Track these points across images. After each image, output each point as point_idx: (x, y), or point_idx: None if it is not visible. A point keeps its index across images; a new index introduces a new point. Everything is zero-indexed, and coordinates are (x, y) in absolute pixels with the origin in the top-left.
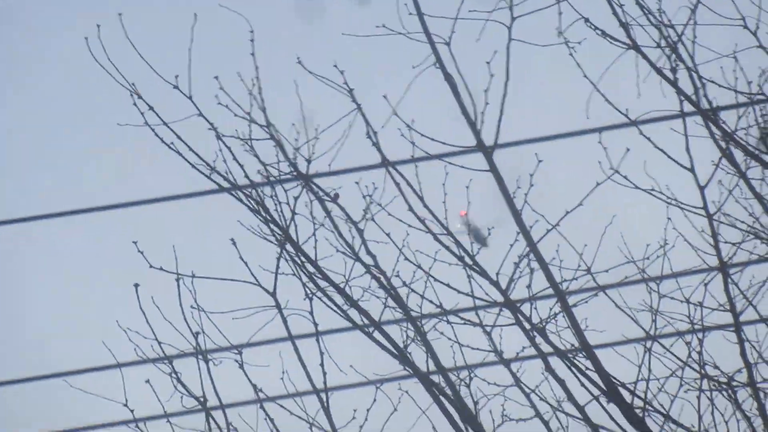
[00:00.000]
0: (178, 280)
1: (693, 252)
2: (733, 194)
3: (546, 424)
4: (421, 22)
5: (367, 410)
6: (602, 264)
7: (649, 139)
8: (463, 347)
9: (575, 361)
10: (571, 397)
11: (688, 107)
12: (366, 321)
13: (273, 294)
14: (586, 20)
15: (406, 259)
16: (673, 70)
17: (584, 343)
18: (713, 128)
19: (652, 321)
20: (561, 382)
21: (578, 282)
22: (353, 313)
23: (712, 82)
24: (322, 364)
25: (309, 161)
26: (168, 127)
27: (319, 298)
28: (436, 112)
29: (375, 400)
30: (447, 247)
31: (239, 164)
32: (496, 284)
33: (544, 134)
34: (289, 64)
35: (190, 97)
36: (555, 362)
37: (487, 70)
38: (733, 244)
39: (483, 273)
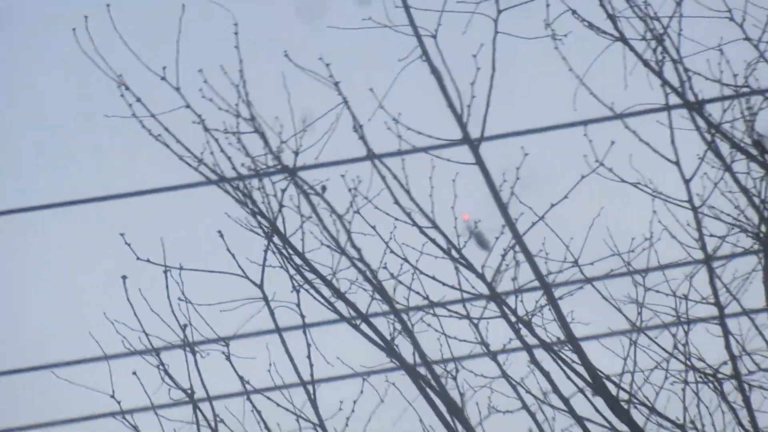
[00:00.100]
0: (165, 272)
1: (679, 245)
2: (719, 187)
3: (532, 416)
4: (408, 15)
5: (354, 402)
6: (588, 257)
7: (634, 132)
8: (450, 339)
9: (561, 354)
10: (556, 390)
11: (673, 100)
12: (353, 313)
13: (260, 286)
14: (574, 12)
15: (392, 252)
16: (659, 63)
17: (570, 335)
18: (699, 121)
19: (638, 313)
20: (546, 375)
21: (564, 274)
22: (340, 306)
23: (699, 74)
24: (309, 356)
25: (296, 153)
26: (155, 118)
27: (306, 291)
28: (423, 106)
29: (362, 392)
30: (433, 240)
31: (226, 156)
32: (482, 277)
33: (530, 127)
34: (277, 57)
35: (177, 89)
36: (541, 354)
37: (473, 63)
38: (718, 237)
39: (469, 266)
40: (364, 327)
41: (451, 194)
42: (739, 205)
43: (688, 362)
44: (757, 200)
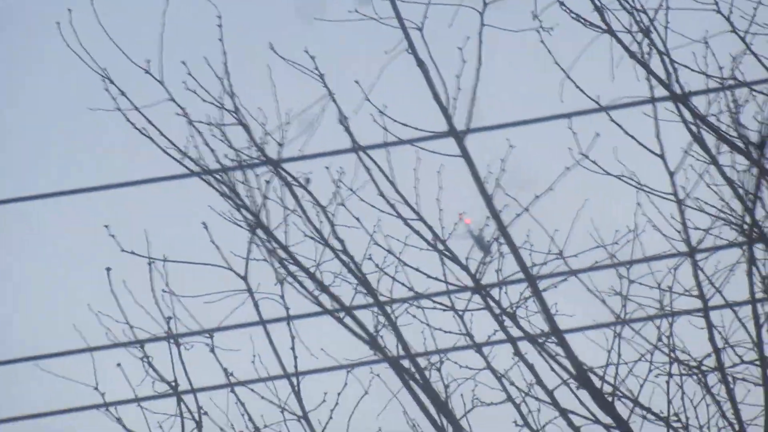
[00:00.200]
0: (149, 264)
1: (663, 237)
2: (704, 179)
3: (517, 408)
4: (394, 8)
5: (338, 394)
6: (573, 249)
7: (619, 125)
8: (434, 331)
9: (545, 346)
10: (540, 382)
11: (659, 92)
12: (337, 306)
13: (244, 278)
14: (561, 4)
15: (377, 244)
16: (646, 55)
17: (554, 327)
18: (685, 113)
19: (622, 306)
20: (531, 367)
21: (549, 266)
22: (325, 299)
23: (685, 66)
24: (293, 348)
25: (280, 145)
26: (139, 111)
27: (290, 284)
28: (409, 98)
29: (346, 384)
30: (418, 232)
31: (210, 149)
32: (466, 268)
33: (515, 119)
34: (263, 50)
35: (161, 82)
36: (525, 346)
37: (459, 55)
38: (703, 230)
39: (454, 257)
40: (347, 320)
41: (437, 186)
42: (724, 198)
43: (672, 354)
44: (741, 192)
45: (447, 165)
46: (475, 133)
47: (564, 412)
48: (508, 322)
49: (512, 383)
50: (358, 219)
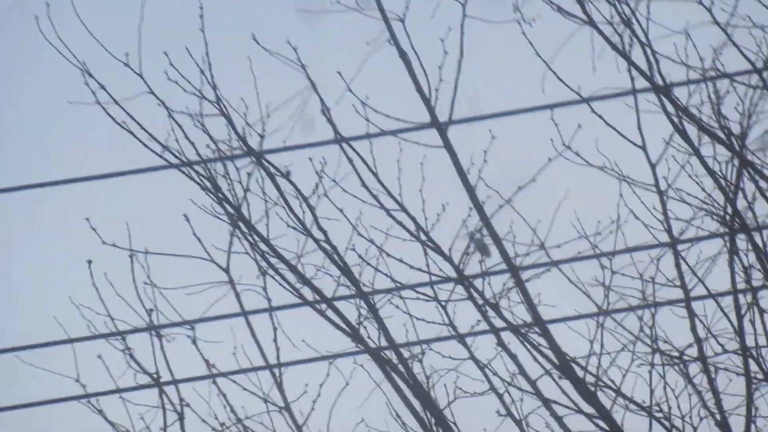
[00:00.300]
0: (131, 256)
1: (645, 228)
2: (685, 170)
3: (500, 398)
4: None
5: (320, 385)
6: (555, 240)
7: (600, 116)
8: (417, 321)
9: (528, 336)
10: (523, 372)
11: (640, 84)
12: (318, 298)
13: (226, 270)
14: None
15: (360, 235)
16: (627, 47)
17: (537, 318)
18: (667, 104)
19: (605, 296)
20: (514, 357)
21: (531, 257)
22: (306, 291)
23: (667, 57)
24: (275, 340)
25: (262, 137)
26: (119, 105)
27: (272, 276)
28: (391, 89)
29: (328, 375)
30: (401, 223)
31: (190, 142)
32: (449, 259)
33: (498, 111)
34: (245, 42)
35: (140, 75)
36: (508, 337)
37: (441, 47)
38: (684, 220)
39: (437, 248)
40: (329, 312)
41: (419, 177)
42: (705, 188)
43: (654, 345)
44: (723, 183)
45: (429, 156)
46: (457, 124)
47: (547, 402)
48: (491, 313)
49: (495, 373)
50: (341, 210)
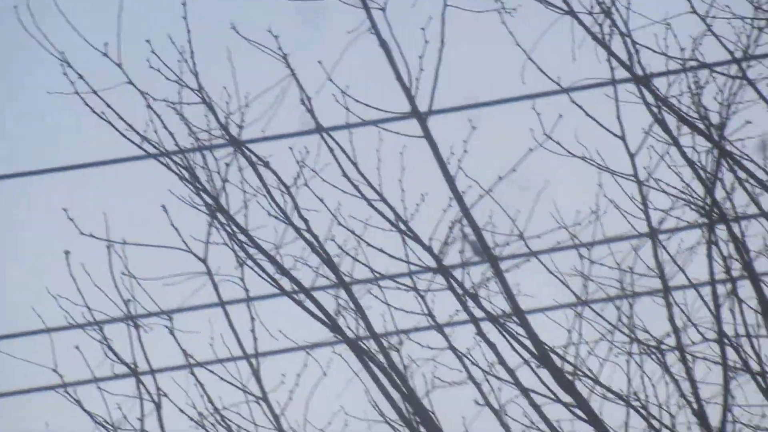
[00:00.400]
0: (108, 247)
1: (624, 218)
2: (665, 160)
3: (478, 387)
4: None
5: (298, 375)
6: (534, 230)
7: (580, 107)
8: (396, 311)
9: (507, 326)
10: (502, 361)
11: (619, 74)
12: (297, 288)
13: (204, 261)
14: None
15: (340, 224)
16: (607, 36)
17: (516, 308)
18: (646, 94)
19: (583, 286)
20: (493, 347)
21: (511, 247)
22: (285, 282)
23: (647, 47)
24: (252, 330)
25: (240, 127)
26: (97, 95)
27: (250, 267)
28: (371, 79)
29: (305, 365)
30: (381, 213)
31: (169, 132)
32: (429, 249)
33: (478, 101)
34: (225, 31)
35: (119, 65)
36: (487, 327)
37: (422, 36)
38: (663, 210)
39: (416, 238)
40: (307, 302)
41: (399, 167)
42: (684, 179)
43: (632, 334)
44: (702, 173)
45: (410, 146)
46: (437, 114)
47: (525, 392)
48: (470, 303)
49: (474, 363)
50: (321, 200)
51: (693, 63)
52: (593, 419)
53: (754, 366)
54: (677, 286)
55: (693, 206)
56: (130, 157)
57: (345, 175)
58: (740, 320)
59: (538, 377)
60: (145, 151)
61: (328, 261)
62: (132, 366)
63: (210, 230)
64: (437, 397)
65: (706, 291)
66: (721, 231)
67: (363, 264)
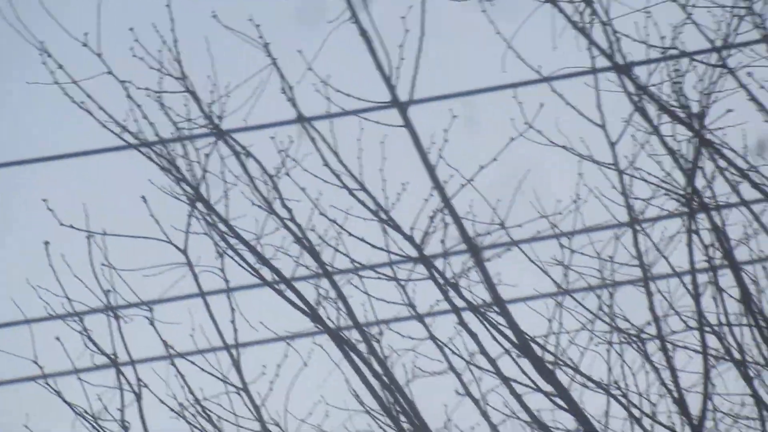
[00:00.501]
0: (88, 237)
1: (605, 208)
2: (645, 149)
3: (459, 377)
4: None
5: (278, 366)
6: (515, 219)
7: (561, 96)
8: (376, 301)
9: (487, 316)
10: (483, 351)
11: (600, 63)
12: (277, 278)
13: (184, 251)
14: None
15: (321, 214)
16: (587, 25)
17: (497, 297)
18: (627, 83)
19: (564, 275)
20: (473, 336)
21: (491, 237)
22: (265, 272)
23: (627, 36)
24: (233, 321)
25: (220, 117)
26: (77, 85)
27: (230, 257)
28: (352, 68)
29: (286, 355)
30: (362, 202)
31: (149, 122)
32: (410, 239)
33: (459, 90)
34: (206, 20)
35: (99, 55)
36: (468, 316)
37: (402, 25)
38: (643, 200)
39: (397, 228)
40: (288, 292)
41: (380, 157)
42: (665, 168)
43: (612, 323)
44: (682, 161)
45: (390, 135)
46: (418, 103)
47: (506, 381)
48: (451, 293)
49: (455, 353)
50: (303, 189)
51: (673, 52)
52: (574, 408)
53: (735, 354)
54: (658, 275)
55: (673, 195)
56: (109, 147)
57: (326, 164)
58: (721, 309)
59: (519, 367)
60: (125, 141)
61: (311, 250)
62: (112, 357)
63: (190, 220)
64: (418, 387)
65: (687, 280)
66: (702, 220)
67: (343, 254)
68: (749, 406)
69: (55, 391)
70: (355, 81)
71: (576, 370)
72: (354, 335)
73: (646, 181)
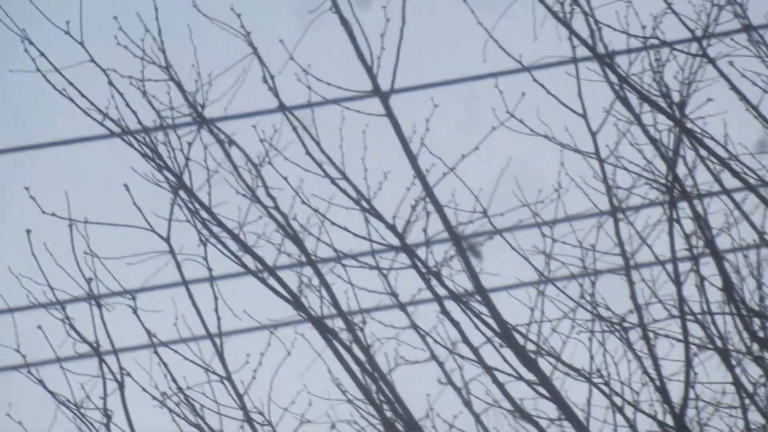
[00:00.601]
0: (70, 225)
1: (587, 196)
2: (627, 138)
3: (441, 366)
4: None
5: (261, 355)
6: (497, 208)
7: (542, 85)
8: (359, 290)
9: (470, 304)
10: (465, 340)
11: (581, 52)
12: (260, 266)
13: (167, 239)
14: None
15: (303, 202)
16: (568, 15)
17: (479, 286)
18: (608, 73)
19: (546, 264)
20: (456, 325)
21: (473, 225)
22: (248, 260)
23: (608, 26)
24: (216, 309)
25: (203, 106)
26: (59, 73)
27: (213, 245)
28: (333, 57)
29: (269, 344)
30: (344, 191)
31: (131, 110)
32: (392, 228)
33: (440, 79)
34: (188, 10)
35: (81, 43)
36: (450, 305)
37: (383, 14)
38: (625, 189)
39: (379, 216)
40: (271, 280)
41: (362, 146)
42: (646, 157)
43: (594, 312)
44: (663, 150)
45: (372, 125)
46: (399, 93)
47: (488, 370)
48: (433, 281)
49: (437, 341)
50: (285, 178)
51: (654, 41)
52: (556, 397)
53: (717, 343)
54: (640, 263)
55: (655, 184)
56: (92, 136)
57: (308, 153)
58: (703, 297)
59: (501, 355)
60: (107, 128)
61: (295, 239)
62: (95, 345)
63: (173, 208)
64: (400, 376)
65: (669, 269)
66: (683, 209)
67: (325, 243)
68: (731, 394)
69: (37, 380)
70: (336, 70)
71: (558, 358)
72: (337, 324)
73: (627, 170)
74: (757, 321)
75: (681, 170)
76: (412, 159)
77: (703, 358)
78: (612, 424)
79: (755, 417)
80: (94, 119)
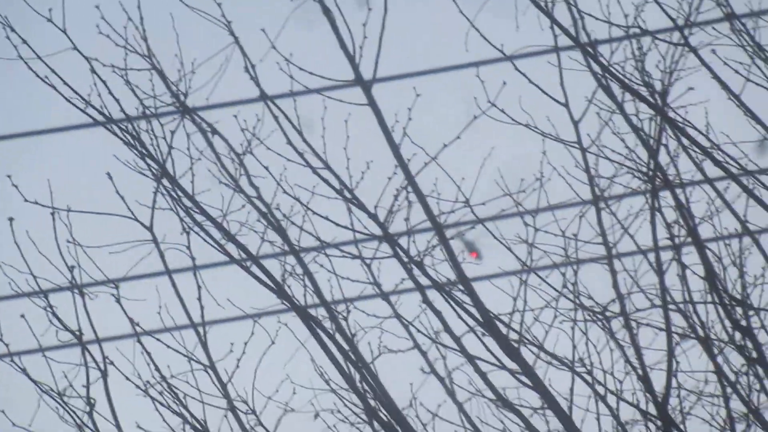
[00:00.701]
0: (53, 214)
1: (569, 185)
2: (609, 126)
3: (424, 355)
4: None
5: (245, 344)
6: (479, 197)
7: (524, 74)
8: (341, 279)
9: (452, 294)
10: (448, 329)
11: (563, 42)
12: (244, 255)
13: (150, 228)
14: None
15: (285, 192)
16: (550, 4)
17: (461, 275)
18: (591, 62)
19: (528, 253)
20: (438, 314)
21: (456, 215)
22: (232, 248)
23: (590, 15)
24: (199, 298)
25: (185, 95)
26: (42, 60)
27: (197, 233)
28: (315, 47)
29: (253, 333)
30: (326, 180)
31: (114, 98)
32: (374, 217)
33: (422, 68)
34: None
35: (64, 31)
36: (433, 294)
37: (365, 3)
38: (607, 177)
39: (361, 206)
40: (254, 269)
41: (344, 135)
42: (629, 145)
43: (576, 301)
44: (646, 138)
45: (354, 114)
46: (381, 82)
47: (471, 359)
48: (415, 271)
49: (420, 331)
50: (266, 168)
51: (636, 30)
52: (538, 386)
53: (699, 332)
54: (622, 252)
55: (637, 172)
56: (74, 125)
57: (290, 142)
58: (685, 287)
59: (484, 344)
60: (90, 116)
61: (278, 228)
62: (77, 334)
63: (156, 197)
64: (383, 365)
65: (651, 258)
66: (665, 198)
67: (308, 232)
68: (713, 383)
69: (20, 368)
70: (319, 59)
71: (541, 347)
72: (320, 313)
73: (609, 159)
74: (739, 310)
75: (663, 159)
76: (395, 148)
77: (686, 347)
78: (595, 412)
79: (737, 405)
80: (77, 107)
